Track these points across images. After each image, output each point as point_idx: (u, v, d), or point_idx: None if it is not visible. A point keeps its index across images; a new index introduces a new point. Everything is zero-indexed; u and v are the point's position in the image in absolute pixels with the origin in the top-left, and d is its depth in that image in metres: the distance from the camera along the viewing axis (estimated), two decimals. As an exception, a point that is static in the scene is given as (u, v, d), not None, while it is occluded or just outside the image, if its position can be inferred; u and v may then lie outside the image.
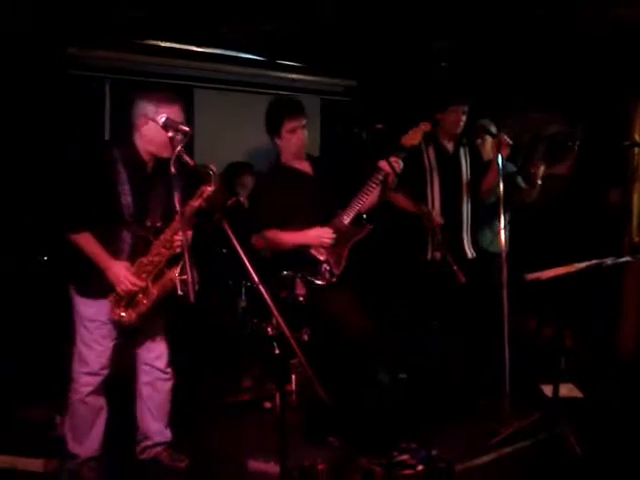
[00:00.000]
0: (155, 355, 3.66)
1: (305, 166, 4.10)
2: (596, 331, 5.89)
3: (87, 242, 3.30)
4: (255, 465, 3.68)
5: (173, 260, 3.33)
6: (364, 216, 4.13)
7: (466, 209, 4.74)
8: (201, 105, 6.07)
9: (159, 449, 3.72)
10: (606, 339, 6.10)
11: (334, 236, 3.95)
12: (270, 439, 3.02)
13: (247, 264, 3.03)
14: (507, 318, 4.08)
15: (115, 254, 3.35)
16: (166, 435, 3.74)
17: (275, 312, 2.99)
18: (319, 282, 3.94)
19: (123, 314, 3.38)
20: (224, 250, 4.99)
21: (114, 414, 3.61)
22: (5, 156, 5.03)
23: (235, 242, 3.02)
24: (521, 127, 4.91)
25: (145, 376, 3.67)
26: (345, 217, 3.99)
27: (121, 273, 3.31)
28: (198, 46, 5.71)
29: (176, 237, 3.30)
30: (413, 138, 4.04)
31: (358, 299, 4.06)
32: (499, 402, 4.14)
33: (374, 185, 3.97)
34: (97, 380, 3.47)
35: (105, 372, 3.48)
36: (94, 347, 3.43)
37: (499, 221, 4.27)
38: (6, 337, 4.69)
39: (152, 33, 5.45)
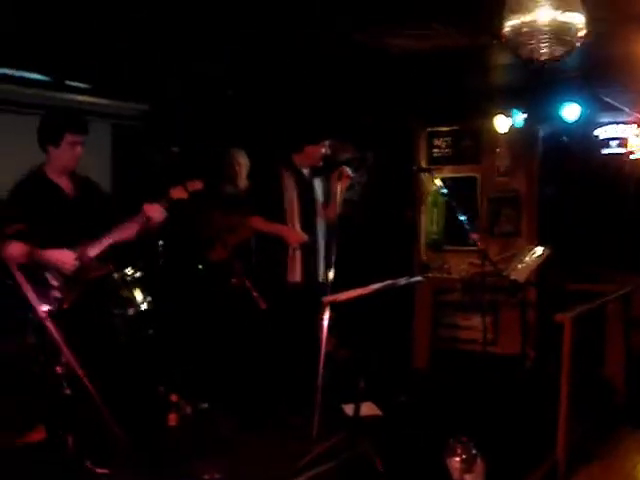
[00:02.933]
0: None
1: (66, 184, 3.94)
2: (392, 348, 6.14)
3: None
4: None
5: None
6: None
7: (322, 231, 4.87)
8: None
9: None
10: (402, 356, 6.39)
11: (76, 263, 3.74)
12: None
13: (30, 297, 2.81)
14: (325, 341, 4.09)
15: None
16: None
17: (64, 349, 2.80)
18: (45, 307, 3.57)
19: None
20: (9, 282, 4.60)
21: None
22: None
23: (17, 274, 2.80)
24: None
25: None
26: (91, 249, 3.81)
27: None
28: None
29: None
30: (181, 193, 4.02)
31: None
32: (307, 423, 4.12)
33: (133, 224, 3.88)
34: None
35: None
36: None
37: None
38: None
39: None
